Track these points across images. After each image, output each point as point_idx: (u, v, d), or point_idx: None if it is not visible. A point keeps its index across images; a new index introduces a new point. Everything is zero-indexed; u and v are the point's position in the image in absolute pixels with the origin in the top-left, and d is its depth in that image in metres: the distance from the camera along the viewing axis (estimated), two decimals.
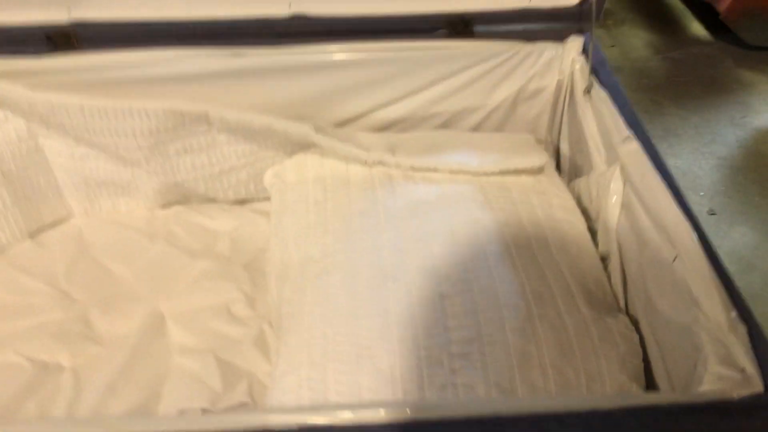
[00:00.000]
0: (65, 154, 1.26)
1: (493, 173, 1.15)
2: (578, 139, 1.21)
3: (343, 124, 1.29)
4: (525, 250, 0.99)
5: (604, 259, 1.07)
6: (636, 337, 0.91)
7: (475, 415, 0.64)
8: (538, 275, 0.95)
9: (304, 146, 1.24)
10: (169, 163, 1.23)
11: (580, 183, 1.19)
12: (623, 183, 1.00)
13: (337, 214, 1.07)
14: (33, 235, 1.30)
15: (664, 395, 0.77)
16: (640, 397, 0.76)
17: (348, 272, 0.96)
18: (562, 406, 0.65)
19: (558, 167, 1.33)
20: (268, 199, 1.35)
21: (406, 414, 0.63)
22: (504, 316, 0.87)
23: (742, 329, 0.72)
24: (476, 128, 1.31)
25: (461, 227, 1.02)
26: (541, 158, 1.19)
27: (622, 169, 1.01)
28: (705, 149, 1.96)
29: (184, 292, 1.18)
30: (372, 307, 0.90)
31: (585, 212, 1.14)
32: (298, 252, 1.04)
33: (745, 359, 0.69)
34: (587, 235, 1.08)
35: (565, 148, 1.30)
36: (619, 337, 0.89)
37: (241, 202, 1.37)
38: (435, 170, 1.15)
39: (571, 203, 1.14)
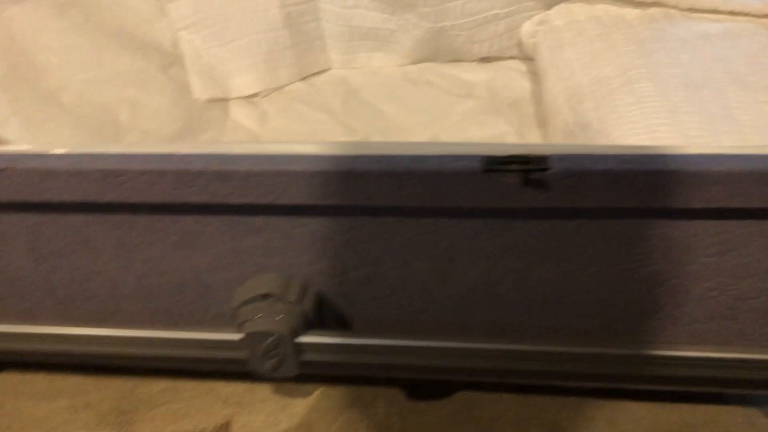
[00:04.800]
0: (338, 1, 1.36)
1: None
2: None
3: None
4: None
5: None
6: None
7: None
8: None
9: None
10: (442, 6, 1.31)
11: None
12: None
13: (626, 40, 1.12)
14: (303, 79, 1.43)
15: None
16: None
17: (657, 81, 1.01)
18: None
19: None
20: (512, 58, 1.42)
21: None
22: None
23: None
24: None
25: (754, 52, 1.05)
26: None
27: None
28: None
29: (456, 126, 1.27)
30: (692, 106, 0.95)
31: None
32: (586, 76, 1.10)
33: None
34: None
35: None
36: None
37: (485, 59, 1.44)
38: (715, 11, 1.17)
39: None
